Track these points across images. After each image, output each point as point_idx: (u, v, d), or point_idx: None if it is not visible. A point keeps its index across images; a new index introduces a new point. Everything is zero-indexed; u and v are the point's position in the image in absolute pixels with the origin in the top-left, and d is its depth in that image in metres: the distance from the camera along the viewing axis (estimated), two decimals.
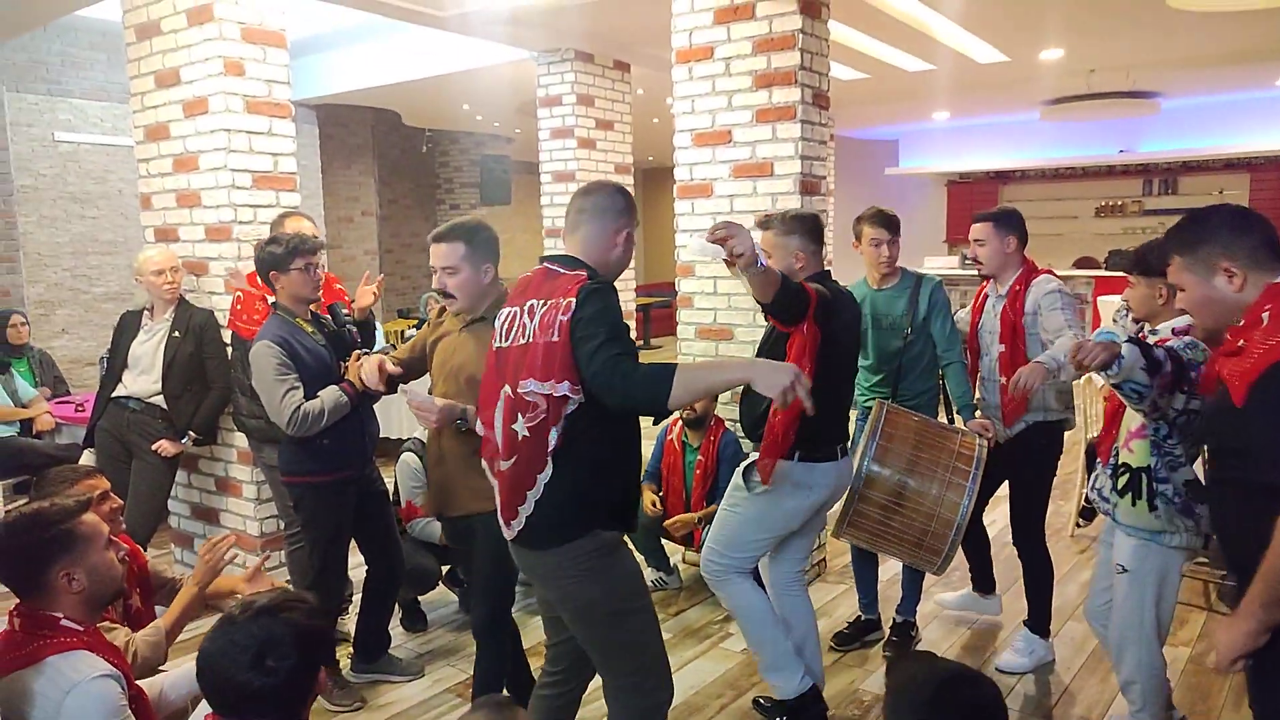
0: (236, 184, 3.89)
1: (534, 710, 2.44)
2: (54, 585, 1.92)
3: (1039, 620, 3.45)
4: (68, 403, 5.45)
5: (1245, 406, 1.68)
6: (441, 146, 11.78)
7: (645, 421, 2.32)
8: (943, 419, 3.44)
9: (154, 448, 3.90)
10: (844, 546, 4.59)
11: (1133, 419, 2.58)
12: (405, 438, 4.83)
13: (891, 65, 7.35)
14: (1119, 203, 11.82)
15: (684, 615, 3.95)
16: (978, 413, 3.34)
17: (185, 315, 3.94)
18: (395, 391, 3.03)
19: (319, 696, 3.16)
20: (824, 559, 4.45)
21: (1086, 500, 2.79)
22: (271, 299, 3.22)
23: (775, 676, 2.91)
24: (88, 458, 4.10)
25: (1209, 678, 3.31)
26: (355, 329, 3.44)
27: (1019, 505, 3.43)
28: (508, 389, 2.14)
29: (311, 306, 3.21)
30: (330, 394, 2.98)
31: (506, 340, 2.20)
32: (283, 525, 3.81)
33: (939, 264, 11.32)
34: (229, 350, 3.88)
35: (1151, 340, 2.58)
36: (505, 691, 2.79)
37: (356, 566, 3.43)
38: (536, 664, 2.69)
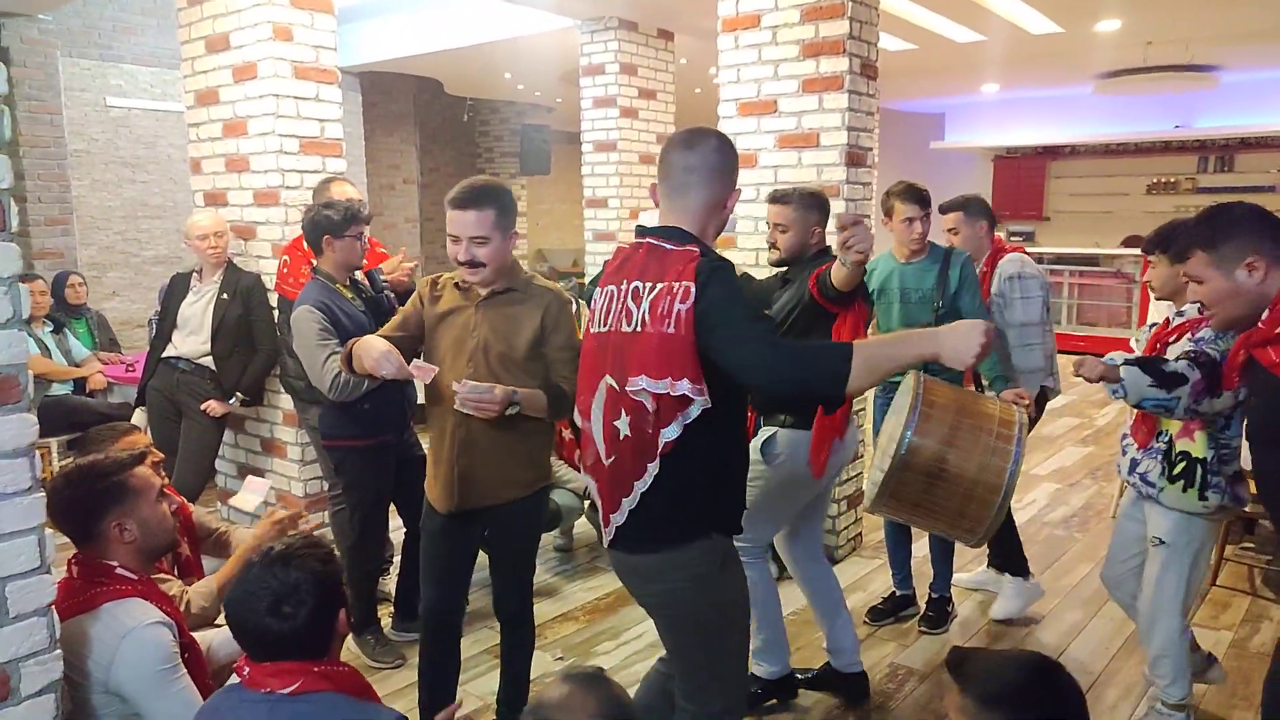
0: (284, 149, 3.93)
1: (646, 680, 2.33)
2: (107, 535, 1.98)
3: (1015, 564, 3.65)
4: (119, 363, 5.59)
5: None
6: (482, 115, 11.78)
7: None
8: None
9: (202, 407, 4.00)
10: (879, 522, 4.59)
11: None
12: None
13: (941, 35, 7.19)
14: (1172, 180, 11.49)
15: None
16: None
17: (233, 278, 4.01)
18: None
19: (363, 654, 3.27)
20: (860, 534, 4.44)
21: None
22: (313, 263, 3.25)
23: (761, 658, 2.96)
24: (139, 416, 4.21)
25: (1251, 662, 3.26)
26: (394, 295, 3.47)
27: None
28: (610, 380, 1.90)
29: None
30: None
31: (605, 325, 1.94)
32: (326, 486, 3.89)
33: None
34: (275, 313, 3.95)
35: (1175, 324, 2.64)
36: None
37: (396, 529, 3.50)
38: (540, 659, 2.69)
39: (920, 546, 3.90)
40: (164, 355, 4.06)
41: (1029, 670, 1.42)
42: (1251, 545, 3.83)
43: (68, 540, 2.00)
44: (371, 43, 8.18)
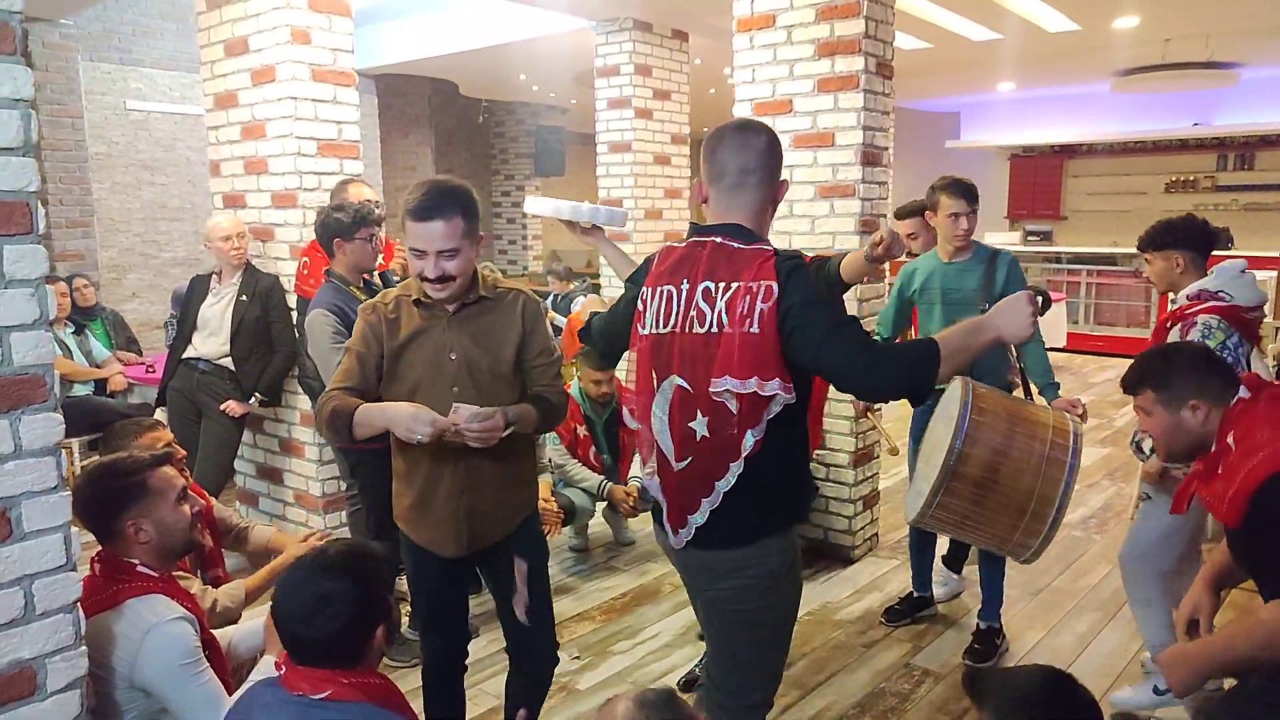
0: (302, 151, 3.96)
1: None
2: (123, 533, 2.00)
3: (955, 557, 3.85)
4: (139, 364, 5.65)
5: (1243, 526, 1.83)
6: (497, 117, 11.83)
7: None
8: None
9: (222, 408, 4.03)
10: (897, 521, 4.58)
11: None
12: None
13: (956, 34, 7.16)
14: (1190, 178, 11.40)
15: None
16: (1060, 391, 3.15)
17: (252, 280, 4.04)
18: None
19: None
20: (875, 534, 4.43)
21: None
22: (326, 266, 3.27)
23: None
24: (159, 417, 4.25)
25: None
26: None
27: None
28: (680, 382, 1.87)
29: (364, 274, 3.26)
30: None
31: (665, 325, 1.90)
32: (344, 486, 3.91)
33: (1000, 240, 11.06)
34: (294, 314, 3.98)
35: (1171, 308, 2.90)
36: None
37: None
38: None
39: (941, 547, 3.88)
40: (184, 356, 4.11)
41: (1039, 682, 1.44)
42: None
43: (91, 540, 2.02)
44: (387, 45, 8.23)
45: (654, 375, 1.94)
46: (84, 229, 6.89)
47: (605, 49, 6.26)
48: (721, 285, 1.82)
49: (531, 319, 2.27)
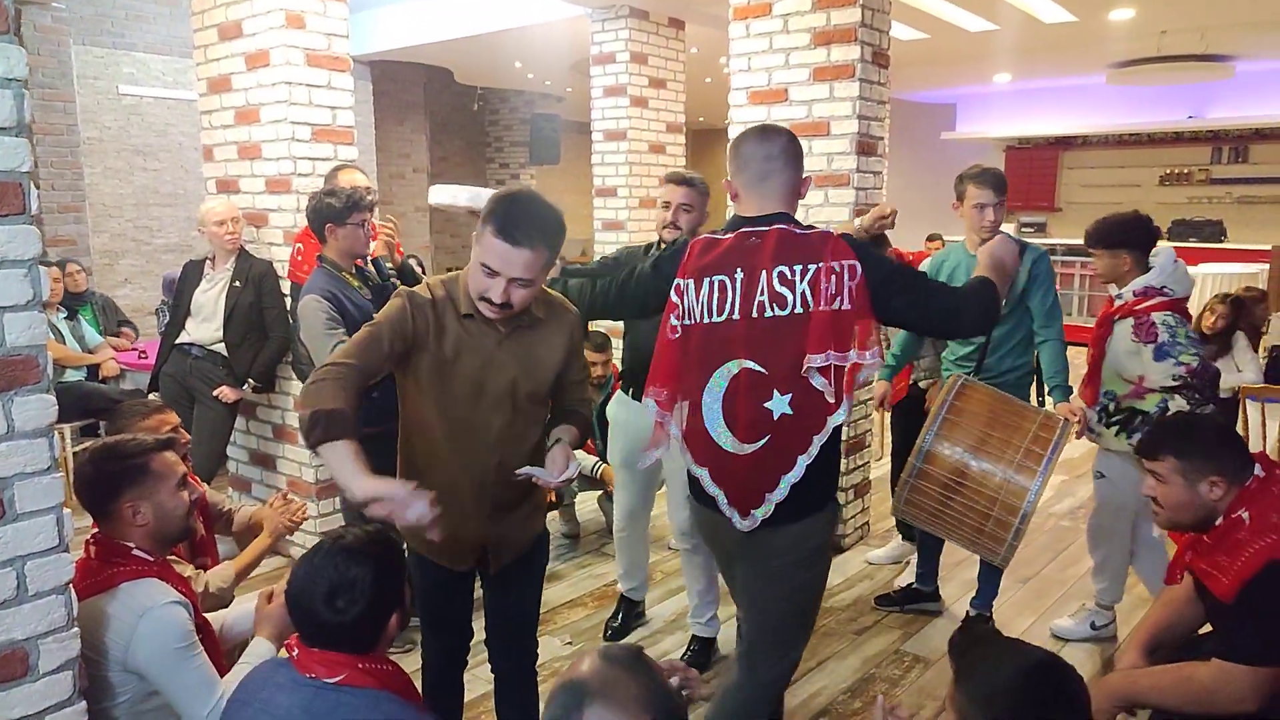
0: (296, 136, 3.95)
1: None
2: (121, 515, 2.00)
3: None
4: (131, 350, 5.63)
5: (1236, 602, 1.88)
6: (492, 105, 11.79)
7: None
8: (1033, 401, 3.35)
9: (215, 394, 4.03)
10: (888, 510, 4.59)
11: (1134, 373, 3.02)
12: None
13: (953, 24, 7.15)
14: (1185, 171, 11.42)
15: None
16: (1073, 396, 3.12)
17: (245, 265, 4.03)
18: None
19: None
20: (867, 523, 4.45)
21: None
22: (318, 252, 3.25)
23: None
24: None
25: None
26: (400, 283, 3.48)
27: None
28: (748, 364, 1.93)
29: (357, 261, 3.25)
30: None
31: (721, 314, 1.96)
32: None
33: None
34: (288, 300, 3.97)
35: (1118, 304, 3.09)
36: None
37: None
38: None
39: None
40: (177, 342, 4.10)
41: (1028, 673, 1.37)
42: None
43: (85, 523, 2.02)
44: (382, 31, 8.19)
45: (702, 364, 1.98)
46: (75, 214, 6.85)
47: (601, 36, 6.24)
48: (799, 269, 1.91)
49: (579, 340, 2.17)
